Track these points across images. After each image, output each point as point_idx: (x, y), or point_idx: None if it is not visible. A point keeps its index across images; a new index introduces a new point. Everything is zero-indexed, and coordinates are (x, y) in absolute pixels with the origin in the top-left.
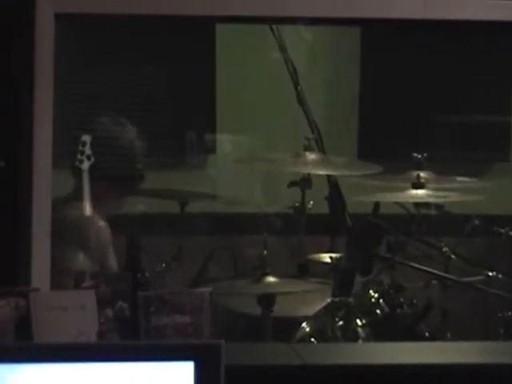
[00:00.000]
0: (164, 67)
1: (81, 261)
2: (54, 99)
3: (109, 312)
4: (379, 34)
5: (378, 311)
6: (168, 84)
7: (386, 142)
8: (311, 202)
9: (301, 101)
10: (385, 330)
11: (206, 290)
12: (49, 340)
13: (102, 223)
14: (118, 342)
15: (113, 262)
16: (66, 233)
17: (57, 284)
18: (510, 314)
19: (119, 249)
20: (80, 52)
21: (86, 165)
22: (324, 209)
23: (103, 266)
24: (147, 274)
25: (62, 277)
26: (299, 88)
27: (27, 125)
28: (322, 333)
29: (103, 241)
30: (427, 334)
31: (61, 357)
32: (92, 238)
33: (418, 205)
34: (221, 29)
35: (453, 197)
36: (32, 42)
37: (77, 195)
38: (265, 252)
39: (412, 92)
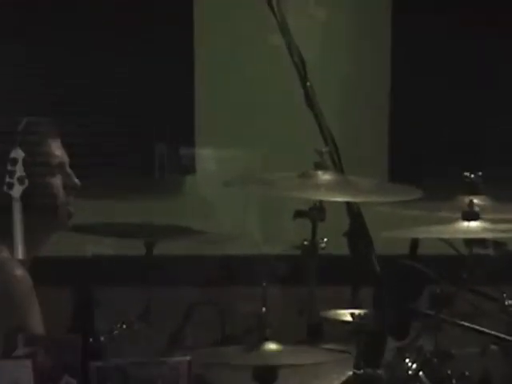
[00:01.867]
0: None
1: None
2: None
3: None
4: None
5: None
6: (122, 74)
7: (426, 157)
8: (325, 240)
9: (310, 102)
10: None
11: (182, 359)
12: None
13: (18, 272)
14: None
15: (34, 323)
16: None
17: None
18: None
19: (62, 305)
20: None
21: (17, 190)
22: (342, 249)
23: (19, 329)
24: (102, 339)
25: None
26: (308, 85)
27: None
28: None
29: (17, 295)
30: None
31: None
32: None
33: (470, 242)
34: None
35: None
36: None
37: None
38: (263, 309)
39: (461, 83)
